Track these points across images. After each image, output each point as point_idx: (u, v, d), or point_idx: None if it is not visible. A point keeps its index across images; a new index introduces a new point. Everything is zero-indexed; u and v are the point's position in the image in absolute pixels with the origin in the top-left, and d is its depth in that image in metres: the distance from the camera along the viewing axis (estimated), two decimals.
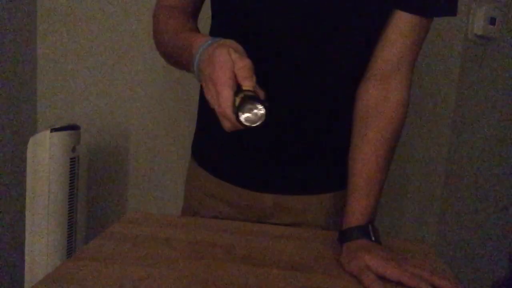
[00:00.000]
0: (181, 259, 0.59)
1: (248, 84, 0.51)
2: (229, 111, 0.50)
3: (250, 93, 0.50)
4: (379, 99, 0.70)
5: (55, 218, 1.17)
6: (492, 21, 1.48)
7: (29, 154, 1.15)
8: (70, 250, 1.23)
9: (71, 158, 1.19)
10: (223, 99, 0.50)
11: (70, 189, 1.20)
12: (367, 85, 0.71)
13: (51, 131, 1.15)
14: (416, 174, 1.52)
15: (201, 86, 0.83)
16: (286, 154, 0.76)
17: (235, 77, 0.51)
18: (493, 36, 1.51)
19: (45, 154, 1.14)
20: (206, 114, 0.82)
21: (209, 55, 0.54)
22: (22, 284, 1.24)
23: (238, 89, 0.51)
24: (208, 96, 0.54)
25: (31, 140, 1.15)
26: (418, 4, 0.66)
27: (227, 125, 0.53)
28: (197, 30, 0.71)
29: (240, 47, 0.55)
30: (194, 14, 0.78)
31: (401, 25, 0.66)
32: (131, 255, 0.59)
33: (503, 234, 1.80)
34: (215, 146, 0.81)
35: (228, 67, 0.51)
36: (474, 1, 1.44)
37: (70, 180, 1.20)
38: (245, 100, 0.49)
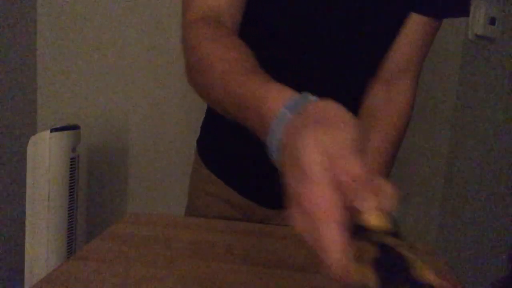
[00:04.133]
0: (181, 259, 0.59)
1: (378, 221, 0.28)
2: (340, 269, 0.27)
3: (392, 247, 0.27)
4: (385, 101, 0.69)
5: (55, 218, 1.17)
6: (492, 21, 1.48)
7: (29, 154, 1.15)
8: (70, 250, 1.23)
9: (71, 158, 1.19)
10: (326, 244, 0.27)
11: (70, 189, 1.20)
12: (373, 86, 0.70)
13: (51, 131, 1.15)
14: (416, 174, 1.52)
15: None
16: None
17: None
18: (493, 36, 1.51)
19: (45, 154, 1.14)
20: (214, 117, 0.81)
21: (292, 142, 0.31)
22: (22, 284, 1.24)
23: (357, 228, 0.28)
24: (299, 221, 0.30)
25: (31, 140, 1.15)
26: (434, 6, 0.65)
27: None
28: (257, 64, 0.45)
29: (348, 118, 0.31)
30: (237, 25, 0.57)
31: (413, 27, 0.66)
32: (131, 255, 0.59)
33: (503, 234, 1.80)
34: (221, 153, 0.80)
35: (326, 178, 0.28)
36: (474, 1, 1.45)
37: (70, 180, 1.20)
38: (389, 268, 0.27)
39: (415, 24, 0.65)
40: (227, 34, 0.51)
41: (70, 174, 1.20)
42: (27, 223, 1.17)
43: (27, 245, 1.18)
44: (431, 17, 0.65)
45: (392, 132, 0.68)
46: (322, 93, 0.68)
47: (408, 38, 0.66)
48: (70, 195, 1.20)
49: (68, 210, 1.20)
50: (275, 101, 0.35)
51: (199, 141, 0.85)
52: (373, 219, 0.28)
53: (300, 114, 0.32)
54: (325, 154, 0.28)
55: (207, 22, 0.53)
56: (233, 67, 0.44)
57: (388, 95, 0.69)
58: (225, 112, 0.46)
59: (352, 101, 0.73)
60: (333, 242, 0.27)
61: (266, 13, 0.62)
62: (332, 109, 0.32)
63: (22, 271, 1.20)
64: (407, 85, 0.69)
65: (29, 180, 1.16)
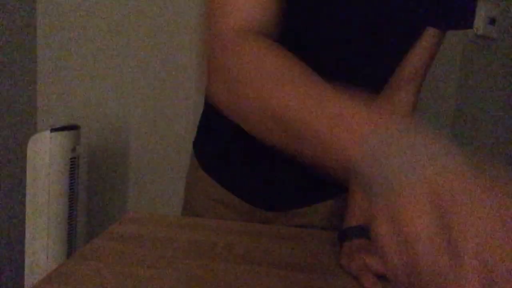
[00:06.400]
0: (181, 259, 0.59)
1: None
2: None
3: None
4: (388, 105, 0.71)
5: (55, 218, 1.17)
6: (492, 21, 1.48)
7: (29, 154, 1.15)
8: (70, 250, 1.23)
9: (71, 158, 1.19)
10: None
11: (70, 189, 1.20)
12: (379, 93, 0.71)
13: (51, 131, 1.15)
14: None
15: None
16: (296, 171, 0.76)
17: None
18: (493, 36, 1.51)
19: (45, 154, 1.14)
20: (212, 119, 0.80)
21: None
22: (22, 284, 1.24)
23: None
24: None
25: (31, 140, 1.15)
26: (446, 20, 0.66)
27: None
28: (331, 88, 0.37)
29: None
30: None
31: (424, 39, 0.66)
32: (131, 255, 0.59)
33: None
34: (222, 158, 0.79)
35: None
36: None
37: (70, 180, 1.20)
38: None
39: (426, 37, 0.66)
40: (279, 46, 0.42)
41: (70, 174, 1.20)
42: (27, 223, 1.17)
43: (27, 245, 1.18)
44: (443, 30, 0.66)
45: None
46: None
47: (417, 49, 0.67)
48: (70, 195, 1.20)
49: (68, 210, 1.20)
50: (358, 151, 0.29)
51: (195, 143, 0.85)
52: None
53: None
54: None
55: (248, 34, 0.44)
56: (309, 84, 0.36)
57: (391, 101, 0.71)
58: (294, 148, 0.36)
59: None
60: None
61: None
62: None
63: (22, 271, 1.20)
64: (411, 92, 0.71)
65: (29, 180, 1.16)
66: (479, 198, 0.23)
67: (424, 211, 0.24)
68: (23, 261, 1.19)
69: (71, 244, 1.23)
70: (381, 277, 0.57)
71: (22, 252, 1.19)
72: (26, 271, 1.19)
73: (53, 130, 1.15)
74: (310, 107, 0.34)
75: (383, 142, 0.27)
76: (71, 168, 1.20)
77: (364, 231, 0.65)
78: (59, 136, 1.16)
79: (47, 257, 1.17)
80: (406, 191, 0.25)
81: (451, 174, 0.24)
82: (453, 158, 0.25)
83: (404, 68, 0.69)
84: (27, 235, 1.18)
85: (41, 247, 1.17)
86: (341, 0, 0.58)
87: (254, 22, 0.45)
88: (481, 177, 0.24)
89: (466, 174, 0.24)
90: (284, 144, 0.37)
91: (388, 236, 0.25)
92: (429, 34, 0.66)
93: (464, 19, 0.67)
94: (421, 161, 0.25)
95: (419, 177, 0.25)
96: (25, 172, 1.16)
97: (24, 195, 1.18)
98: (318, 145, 0.32)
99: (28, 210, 1.17)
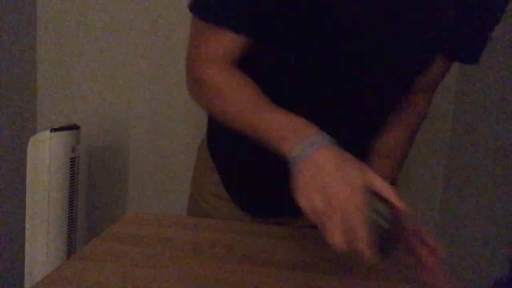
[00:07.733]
0: (181, 259, 0.59)
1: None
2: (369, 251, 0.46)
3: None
4: (401, 110, 0.75)
5: (55, 218, 1.17)
6: None
7: (29, 154, 1.15)
8: (70, 250, 1.23)
9: (71, 158, 1.19)
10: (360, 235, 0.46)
11: (70, 189, 1.20)
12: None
13: (51, 131, 1.15)
14: (416, 175, 1.52)
15: None
16: None
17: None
18: (493, 36, 1.51)
19: (45, 154, 1.14)
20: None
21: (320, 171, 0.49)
22: (22, 284, 1.24)
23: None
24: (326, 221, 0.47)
25: (31, 140, 1.15)
26: (460, 54, 0.75)
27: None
28: (269, 101, 0.59)
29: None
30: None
31: (440, 64, 0.72)
32: (131, 255, 0.59)
33: (503, 234, 1.80)
34: (244, 176, 0.78)
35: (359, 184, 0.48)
36: None
37: (70, 180, 1.20)
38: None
39: (441, 63, 0.72)
40: (242, 74, 0.62)
41: (70, 174, 1.20)
42: (27, 223, 1.17)
43: (27, 245, 1.18)
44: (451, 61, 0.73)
45: (406, 136, 0.75)
46: (350, 122, 0.68)
47: (434, 69, 0.71)
48: (70, 195, 1.20)
49: (68, 210, 1.20)
50: (294, 143, 0.52)
51: (212, 144, 0.81)
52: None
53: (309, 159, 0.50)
54: None
55: (223, 63, 0.62)
56: (249, 103, 0.59)
57: (409, 107, 0.75)
58: (242, 131, 0.59)
59: (372, 129, 0.75)
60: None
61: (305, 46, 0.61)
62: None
63: (22, 271, 1.20)
64: (423, 99, 0.76)
65: (29, 180, 1.16)
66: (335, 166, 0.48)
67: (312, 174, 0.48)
68: (23, 261, 1.19)
69: (71, 244, 1.23)
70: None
71: (22, 252, 1.19)
72: (26, 271, 1.19)
73: (53, 130, 1.15)
74: (256, 120, 0.58)
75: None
76: (71, 168, 1.20)
77: None
78: (59, 136, 1.16)
79: (47, 257, 1.17)
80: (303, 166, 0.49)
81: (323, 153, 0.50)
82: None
83: (418, 83, 0.72)
84: (27, 235, 1.18)
85: (41, 247, 1.17)
86: (354, 33, 0.59)
87: (223, 57, 0.62)
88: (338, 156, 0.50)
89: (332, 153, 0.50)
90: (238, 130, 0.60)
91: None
92: (442, 62, 0.72)
93: (473, 56, 0.77)
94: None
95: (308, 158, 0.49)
96: (25, 172, 1.16)
97: (24, 195, 1.18)
98: (264, 142, 0.56)
99: (28, 210, 1.17)
